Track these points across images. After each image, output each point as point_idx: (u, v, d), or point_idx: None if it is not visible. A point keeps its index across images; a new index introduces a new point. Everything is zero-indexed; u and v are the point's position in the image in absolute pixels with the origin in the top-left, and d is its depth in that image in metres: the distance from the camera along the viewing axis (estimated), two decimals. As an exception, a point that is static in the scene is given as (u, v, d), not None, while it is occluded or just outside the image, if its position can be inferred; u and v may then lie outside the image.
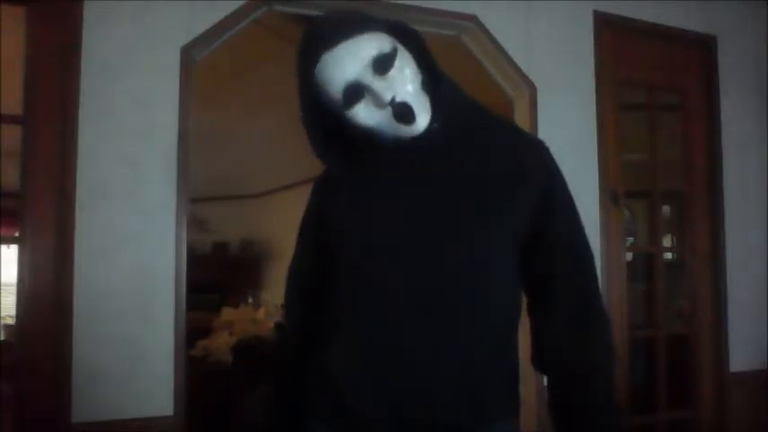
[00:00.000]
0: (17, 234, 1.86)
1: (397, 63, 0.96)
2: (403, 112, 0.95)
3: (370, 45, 0.95)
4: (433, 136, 0.99)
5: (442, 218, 0.96)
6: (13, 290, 1.88)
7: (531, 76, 2.47)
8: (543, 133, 2.47)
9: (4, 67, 2.02)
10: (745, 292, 2.77)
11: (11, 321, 5.22)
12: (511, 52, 2.44)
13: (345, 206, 1.05)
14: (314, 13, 2.45)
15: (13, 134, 1.89)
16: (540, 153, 1.06)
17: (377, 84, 0.94)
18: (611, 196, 2.56)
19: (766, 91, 2.90)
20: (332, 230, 1.06)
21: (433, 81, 1.01)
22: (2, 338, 5.57)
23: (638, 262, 3.49)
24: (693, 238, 2.77)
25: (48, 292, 1.84)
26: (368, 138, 1.00)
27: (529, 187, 1.01)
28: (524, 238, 1.01)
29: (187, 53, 2.04)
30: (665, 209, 4.00)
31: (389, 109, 0.95)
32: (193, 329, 3.16)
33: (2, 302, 5.71)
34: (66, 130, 1.88)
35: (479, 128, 1.03)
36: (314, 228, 1.14)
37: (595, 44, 2.58)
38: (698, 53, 2.82)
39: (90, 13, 1.93)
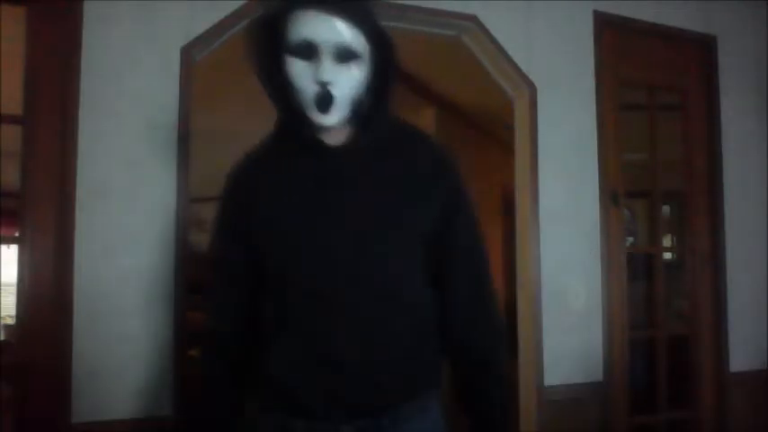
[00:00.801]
0: (17, 234, 1.86)
1: (352, 64, 1.06)
2: (323, 99, 1.05)
3: (348, 33, 1.04)
4: (353, 150, 1.13)
5: (356, 220, 1.10)
6: (13, 290, 1.87)
7: (531, 76, 2.47)
8: (543, 133, 2.47)
9: (4, 67, 2.02)
10: (745, 293, 2.77)
11: (11, 321, 5.22)
12: (511, 52, 2.44)
13: (271, 208, 1.14)
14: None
15: (13, 134, 1.89)
16: (447, 168, 1.20)
17: (326, 62, 1.04)
18: (611, 196, 2.56)
19: (766, 91, 2.90)
20: (258, 231, 1.16)
21: (376, 100, 1.12)
22: (2, 338, 5.56)
23: (638, 262, 3.49)
24: (693, 238, 2.77)
25: (48, 292, 1.84)
26: (290, 97, 1.09)
27: (434, 197, 1.15)
28: (430, 237, 1.16)
29: (187, 53, 2.04)
30: (665, 209, 4.00)
31: (317, 88, 1.05)
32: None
33: (2, 302, 5.71)
34: (66, 130, 1.88)
35: (399, 145, 1.17)
36: (236, 225, 1.22)
37: (595, 44, 2.58)
38: (698, 53, 2.82)
39: (90, 13, 1.93)
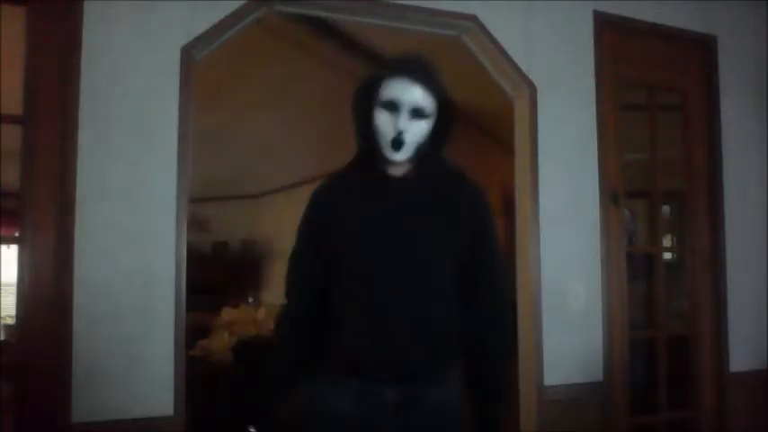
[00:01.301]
0: (17, 234, 1.86)
1: (422, 121, 1.45)
2: (397, 141, 1.42)
3: (424, 99, 1.44)
4: (411, 180, 1.50)
5: (405, 236, 1.46)
6: (13, 290, 1.88)
7: (531, 76, 2.47)
8: (543, 133, 2.47)
9: (4, 67, 2.02)
10: (746, 293, 2.77)
11: (11, 321, 5.22)
12: (511, 52, 2.45)
13: (346, 221, 1.48)
14: (314, 13, 2.46)
15: (13, 134, 1.89)
16: (477, 197, 1.56)
17: (404, 117, 1.43)
18: (611, 196, 2.56)
19: (766, 91, 2.91)
20: (335, 238, 1.48)
21: (433, 145, 1.51)
22: (2, 338, 5.57)
23: (638, 262, 3.49)
24: (693, 238, 2.77)
25: (48, 292, 1.85)
26: (372, 138, 1.47)
27: (465, 222, 1.52)
28: (461, 253, 1.51)
29: (187, 53, 2.04)
30: (665, 209, 4.00)
31: (394, 134, 1.42)
32: (193, 329, 3.16)
33: (2, 302, 5.71)
34: (66, 130, 1.88)
35: (447, 181, 1.55)
36: (317, 232, 1.53)
37: (595, 44, 2.58)
38: (698, 53, 2.82)
39: (90, 13, 1.93)
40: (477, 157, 5.68)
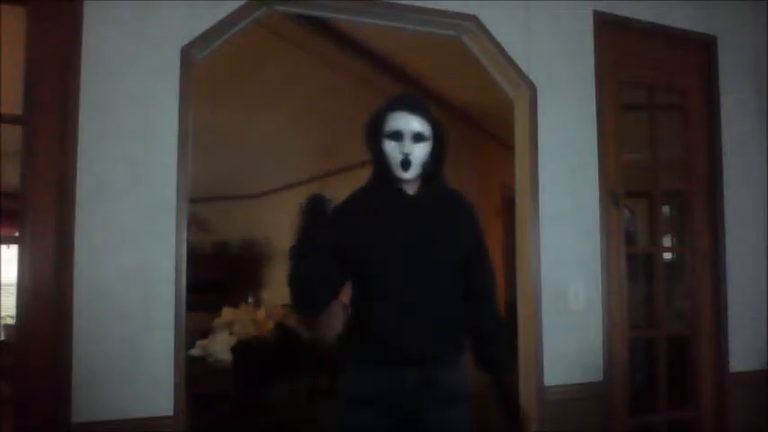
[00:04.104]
0: (17, 234, 1.86)
1: (423, 143, 1.75)
2: (405, 162, 1.72)
3: (420, 125, 1.74)
4: (421, 197, 1.79)
5: (420, 242, 1.73)
6: (13, 290, 1.87)
7: (530, 76, 2.47)
8: (543, 133, 2.47)
9: (4, 67, 2.02)
10: (745, 293, 2.77)
11: (11, 321, 5.22)
12: (511, 52, 2.45)
13: (370, 231, 1.74)
14: (314, 13, 2.46)
15: (13, 134, 1.89)
16: (471, 211, 1.88)
17: (407, 142, 1.73)
18: (611, 196, 2.56)
19: (766, 91, 2.91)
20: (359, 244, 1.73)
21: (433, 165, 1.79)
22: (2, 338, 5.57)
23: (638, 262, 3.49)
24: (693, 238, 2.77)
25: (48, 292, 1.85)
26: (384, 162, 1.77)
27: (465, 231, 1.84)
28: (464, 257, 1.80)
29: (187, 53, 2.04)
30: (665, 209, 4.00)
31: (401, 157, 1.72)
32: (193, 329, 3.16)
33: (2, 302, 5.71)
34: (66, 129, 1.89)
35: (443, 196, 1.84)
36: (337, 238, 1.73)
37: (595, 44, 2.58)
38: (698, 53, 2.82)
39: (90, 13, 1.93)
40: (478, 157, 5.69)
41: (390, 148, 1.73)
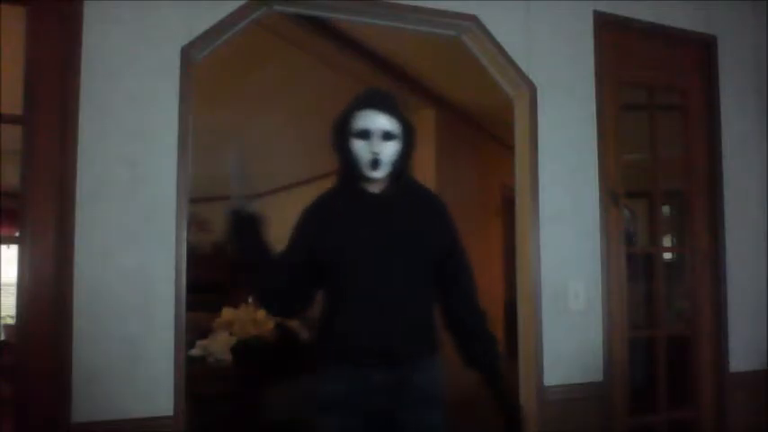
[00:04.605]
0: (17, 234, 1.86)
1: (391, 142, 1.71)
2: (374, 162, 1.69)
3: (389, 123, 1.70)
4: (387, 195, 1.75)
5: (390, 242, 1.70)
6: (13, 290, 1.87)
7: (530, 76, 2.47)
8: (543, 133, 2.47)
9: (4, 67, 2.02)
10: (745, 293, 2.77)
11: (11, 321, 5.22)
12: (511, 52, 2.45)
13: (337, 232, 1.71)
14: (314, 13, 2.46)
15: (13, 134, 1.89)
16: (444, 210, 1.84)
17: (376, 141, 1.69)
18: (611, 196, 2.56)
19: (766, 91, 2.91)
20: (326, 246, 1.71)
21: (400, 163, 1.75)
22: (2, 338, 5.56)
23: (638, 262, 3.49)
24: (693, 238, 2.77)
25: (48, 292, 1.85)
26: (352, 163, 1.72)
27: (436, 230, 1.79)
28: (436, 256, 1.77)
29: (187, 53, 2.04)
30: (665, 209, 4.00)
31: (370, 156, 1.68)
32: (193, 329, 3.16)
33: (2, 302, 5.71)
34: (66, 129, 1.88)
35: (412, 195, 1.81)
36: (309, 240, 1.74)
37: (595, 44, 2.58)
38: (698, 53, 2.82)
39: (90, 13, 1.94)
40: (477, 157, 5.69)
41: (359, 147, 1.69)
